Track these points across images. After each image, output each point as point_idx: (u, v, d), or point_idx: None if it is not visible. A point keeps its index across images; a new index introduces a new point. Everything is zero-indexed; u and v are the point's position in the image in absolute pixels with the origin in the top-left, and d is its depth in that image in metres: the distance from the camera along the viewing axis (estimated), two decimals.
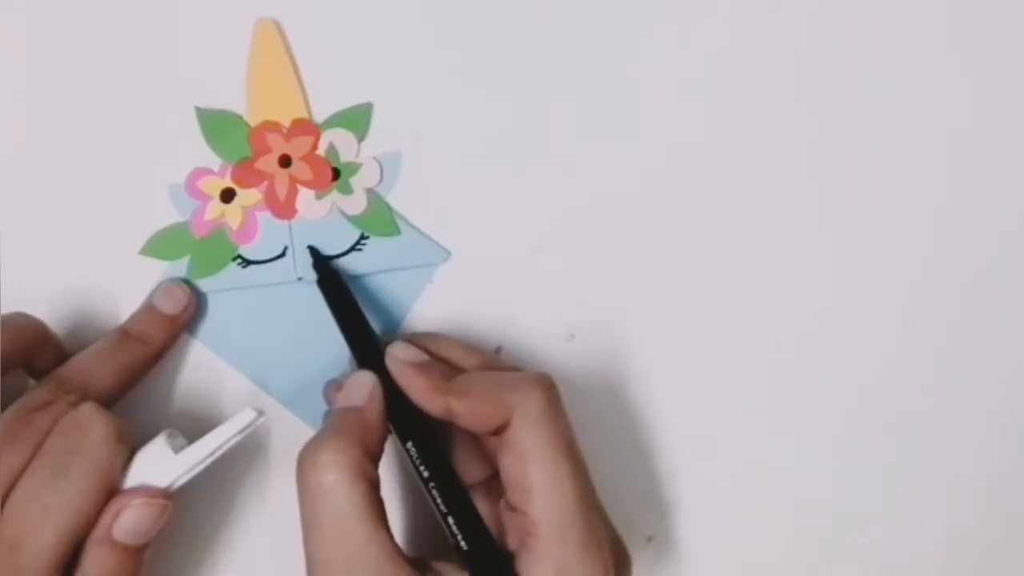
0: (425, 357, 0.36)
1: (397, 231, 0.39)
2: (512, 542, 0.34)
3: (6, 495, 0.32)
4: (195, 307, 0.38)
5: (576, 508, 0.33)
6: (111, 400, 0.36)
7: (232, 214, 0.38)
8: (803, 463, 0.42)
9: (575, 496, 0.33)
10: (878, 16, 0.40)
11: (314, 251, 0.38)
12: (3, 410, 0.34)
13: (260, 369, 0.39)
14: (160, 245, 0.38)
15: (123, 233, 0.38)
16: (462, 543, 0.34)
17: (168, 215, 0.38)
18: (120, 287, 0.38)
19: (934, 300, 0.42)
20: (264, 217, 0.38)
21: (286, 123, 0.38)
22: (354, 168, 0.39)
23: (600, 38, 0.39)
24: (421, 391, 0.35)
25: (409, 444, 0.35)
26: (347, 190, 0.39)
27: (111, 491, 0.33)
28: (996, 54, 0.41)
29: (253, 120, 0.38)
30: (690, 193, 0.40)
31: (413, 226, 0.39)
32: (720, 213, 0.40)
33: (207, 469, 0.35)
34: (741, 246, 0.41)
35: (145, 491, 0.34)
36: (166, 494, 0.34)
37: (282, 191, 0.38)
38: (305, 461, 0.33)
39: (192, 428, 0.36)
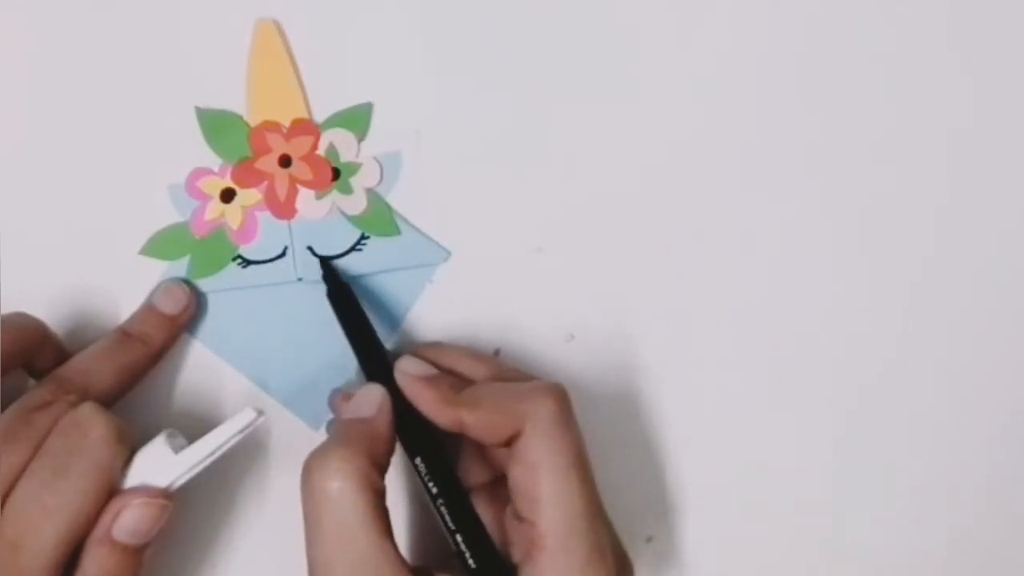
0: (434, 371, 0.36)
1: (397, 231, 0.39)
2: (517, 552, 0.34)
3: (6, 495, 0.32)
4: (195, 307, 0.38)
5: (583, 520, 0.33)
6: (111, 400, 0.36)
7: (232, 214, 0.38)
8: (803, 463, 0.42)
9: (583, 508, 0.33)
10: (878, 16, 0.40)
11: (325, 263, 0.38)
12: (3, 410, 0.34)
13: (260, 369, 0.39)
14: (160, 245, 0.38)
15: (123, 233, 0.38)
16: (470, 560, 0.33)
17: (168, 215, 0.38)
18: (120, 287, 0.38)
19: (934, 300, 0.42)
20: (264, 217, 0.38)
21: (286, 123, 0.38)
22: (354, 168, 0.39)
23: (600, 38, 0.39)
24: (431, 403, 0.35)
25: (418, 460, 0.35)
26: (347, 190, 0.39)
27: (111, 491, 0.33)
28: (996, 54, 0.41)
29: (253, 120, 0.38)
30: (690, 193, 0.40)
31: (413, 226, 0.39)
32: (720, 213, 0.40)
33: (207, 469, 0.35)
34: (741, 246, 0.41)
35: (145, 491, 0.34)
36: (166, 494, 0.34)
37: (282, 191, 0.38)
38: (311, 468, 0.33)
39: (192, 428, 0.36)
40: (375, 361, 0.36)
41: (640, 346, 0.41)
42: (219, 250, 0.38)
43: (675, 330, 0.41)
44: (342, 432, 0.34)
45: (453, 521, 0.34)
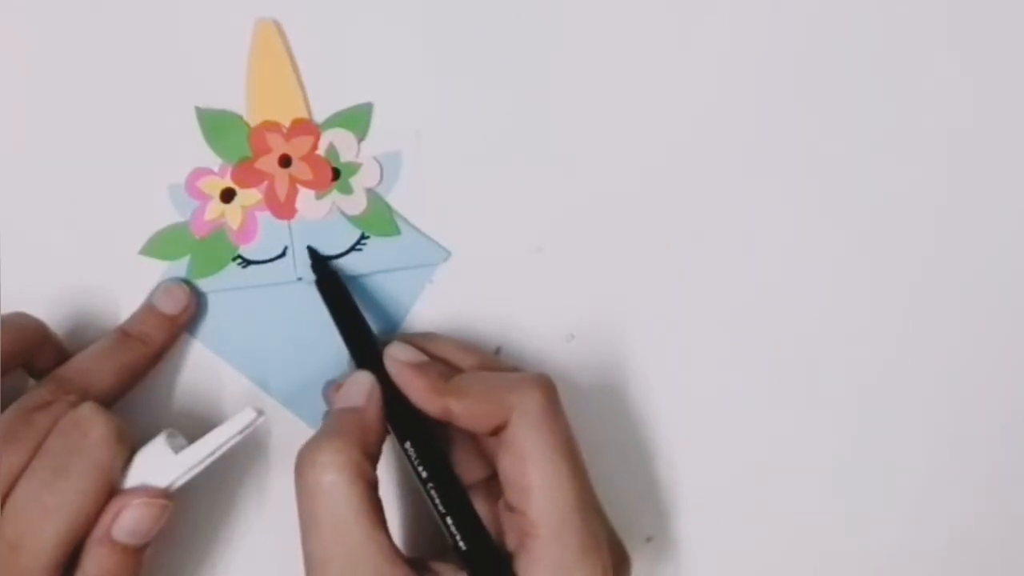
0: (423, 357, 0.36)
1: (397, 231, 0.39)
2: (511, 542, 0.34)
3: (6, 495, 0.32)
4: (195, 307, 0.38)
5: (574, 508, 0.33)
6: (111, 400, 0.36)
7: (232, 214, 0.38)
8: (803, 463, 0.42)
9: (574, 496, 0.33)
10: (878, 16, 0.40)
11: (313, 252, 0.38)
12: (3, 410, 0.34)
13: (260, 369, 0.39)
14: (160, 245, 0.38)
15: (123, 233, 0.38)
16: (460, 543, 0.34)
17: (168, 215, 0.38)
18: (120, 287, 0.38)
19: (934, 300, 0.41)
20: (264, 217, 0.38)
21: (286, 123, 0.38)
22: (354, 168, 0.39)
23: (600, 38, 0.39)
24: (419, 391, 0.35)
25: (407, 444, 0.35)
26: (347, 190, 0.39)
27: (111, 491, 0.33)
28: (996, 54, 0.41)
29: (253, 120, 0.38)
30: (690, 193, 0.40)
31: (413, 226, 0.39)
32: (720, 213, 0.40)
33: (207, 469, 0.35)
34: (741, 246, 0.41)
35: (145, 491, 0.34)
36: (166, 494, 0.34)
37: (282, 191, 0.38)
38: (303, 461, 0.33)
39: (192, 428, 0.36)
40: (364, 348, 0.36)
41: (640, 346, 0.41)
42: (219, 250, 0.38)
43: (675, 330, 0.41)
44: (332, 423, 0.34)
45: (443, 504, 0.34)
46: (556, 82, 0.39)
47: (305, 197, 0.38)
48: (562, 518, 0.33)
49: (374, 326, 0.37)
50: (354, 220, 0.39)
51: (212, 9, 0.38)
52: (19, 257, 0.38)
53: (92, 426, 0.33)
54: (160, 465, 0.34)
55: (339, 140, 0.38)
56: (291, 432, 0.39)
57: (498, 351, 0.40)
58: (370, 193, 0.39)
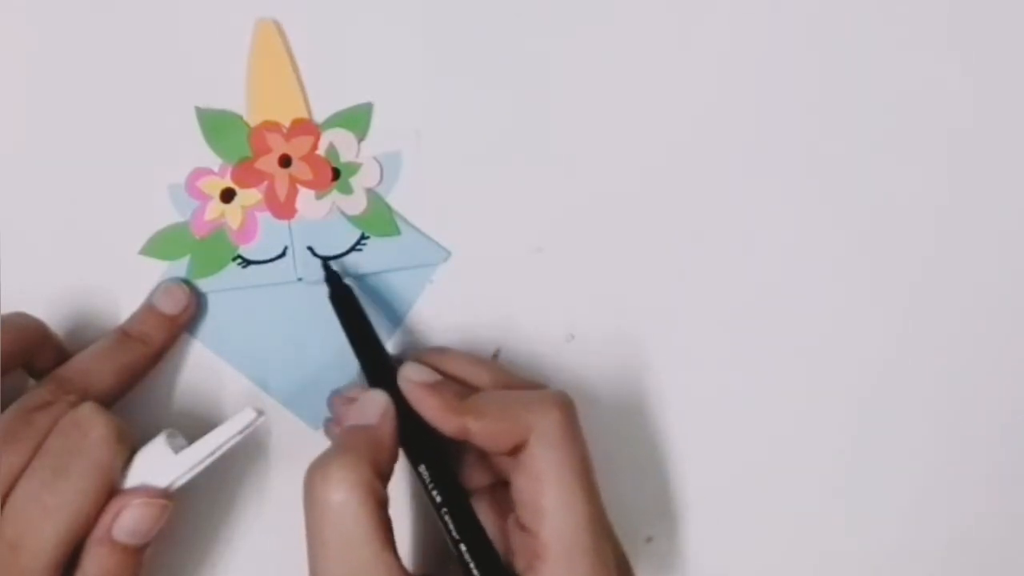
0: (438, 377, 0.35)
1: (397, 231, 0.39)
2: (519, 563, 0.33)
3: (6, 495, 0.32)
4: (195, 307, 0.38)
5: (586, 531, 0.32)
6: (111, 400, 0.36)
7: (232, 214, 0.38)
8: (803, 463, 0.42)
9: (586, 520, 0.33)
10: (878, 16, 0.40)
11: (327, 266, 0.38)
12: (3, 410, 0.34)
13: (260, 369, 0.39)
14: (160, 245, 0.38)
15: (123, 233, 0.38)
16: (474, 571, 0.33)
17: (168, 215, 0.38)
18: (120, 287, 0.38)
19: (934, 300, 0.42)
20: (264, 217, 0.38)
21: (286, 123, 0.38)
22: (354, 168, 0.39)
23: (600, 38, 0.39)
24: (435, 411, 0.34)
25: (422, 468, 0.34)
26: (347, 190, 0.39)
27: (111, 491, 0.33)
28: (996, 54, 0.41)
29: (253, 120, 0.38)
30: (690, 193, 0.40)
31: (413, 226, 0.39)
32: (720, 213, 0.40)
33: (207, 469, 0.35)
34: (741, 246, 0.41)
35: (145, 491, 0.34)
36: (166, 494, 0.34)
37: (282, 191, 0.38)
38: (314, 477, 0.32)
39: (192, 428, 0.36)
40: (378, 367, 0.36)
41: (640, 346, 0.41)
42: (219, 250, 0.38)
43: (675, 330, 0.41)
44: (345, 440, 0.34)
45: (458, 531, 0.33)
46: (556, 82, 0.39)
47: (305, 197, 0.38)
48: (573, 541, 0.32)
49: (374, 326, 0.37)
50: (354, 220, 0.39)
51: (212, 9, 0.38)
52: (19, 257, 0.38)
53: (92, 426, 0.33)
54: (160, 465, 0.34)
55: (339, 140, 0.38)
56: (291, 432, 0.39)
57: (498, 352, 0.40)
58: (370, 193, 0.39)
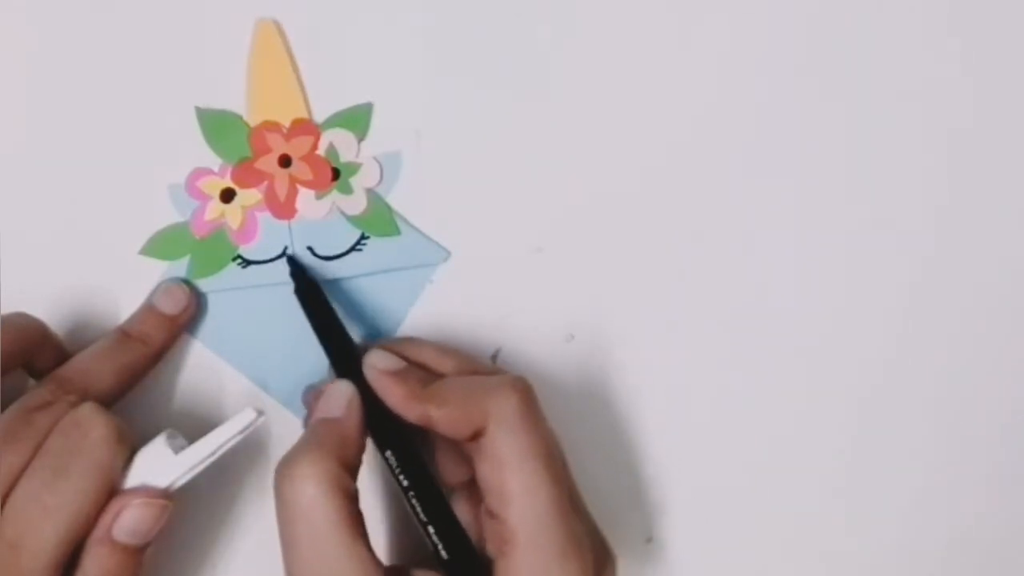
0: (403, 364, 0.35)
1: (397, 231, 0.39)
2: (491, 549, 0.33)
3: (6, 495, 0.32)
4: (195, 307, 0.38)
5: (553, 513, 0.32)
6: (111, 400, 0.36)
7: (232, 214, 0.38)
8: (802, 463, 0.42)
9: (551, 501, 0.32)
10: (878, 16, 0.40)
11: (292, 260, 0.38)
12: (3, 410, 0.34)
13: (260, 369, 0.39)
14: (160, 245, 0.38)
15: (123, 233, 0.38)
16: (442, 552, 0.33)
17: (168, 215, 0.38)
18: (120, 287, 0.38)
19: (934, 300, 0.41)
20: (264, 217, 0.38)
21: (286, 123, 0.38)
22: (354, 168, 0.39)
23: (600, 38, 0.39)
24: (398, 399, 0.34)
25: (388, 453, 0.34)
26: (347, 190, 0.39)
27: (111, 491, 0.33)
28: (996, 54, 0.41)
29: (253, 120, 0.38)
30: (690, 193, 0.40)
31: (413, 226, 0.39)
32: (720, 213, 0.40)
33: (207, 469, 0.35)
34: (741, 246, 0.41)
35: (145, 491, 0.34)
36: (166, 494, 0.34)
37: (282, 191, 0.38)
38: (281, 475, 0.32)
39: (192, 428, 0.36)
40: (344, 356, 0.36)
41: (640, 346, 0.41)
42: (219, 250, 0.38)
43: (675, 330, 0.41)
44: (311, 435, 0.34)
45: (424, 513, 0.34)
46: (556, 82, 0.39)
47: (305, 197, 0.38)
48: (540, 524, 0.32)
49: (374, 327, 0.37)
50: (354, 220, 0.39)
51: (212, 9, 0.38)
52: (19, 257, 0.38)
53: (92, 426, 0.33)
54: (160, 465, 0.34)
55: (339, 140, 0.38)
56: (291, 432, 0.39)
57: (498, 352, 0.40)
58: (370, 193, 0.39)
